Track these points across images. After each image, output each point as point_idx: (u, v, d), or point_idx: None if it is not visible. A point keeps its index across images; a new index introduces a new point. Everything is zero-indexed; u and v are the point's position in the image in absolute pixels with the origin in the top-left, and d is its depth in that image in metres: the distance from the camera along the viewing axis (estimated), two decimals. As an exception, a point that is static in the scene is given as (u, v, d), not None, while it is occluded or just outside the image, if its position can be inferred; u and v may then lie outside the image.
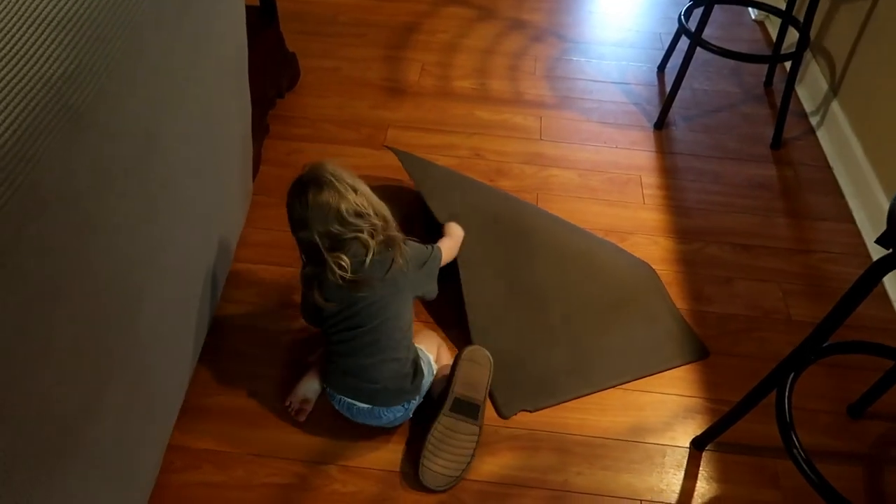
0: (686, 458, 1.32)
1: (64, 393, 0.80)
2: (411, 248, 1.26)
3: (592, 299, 1.53)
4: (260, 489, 1.23)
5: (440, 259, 1.33)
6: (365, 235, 1.18)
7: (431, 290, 1.31)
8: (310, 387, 1.34)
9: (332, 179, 1.18)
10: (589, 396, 1.40)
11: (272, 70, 1.91)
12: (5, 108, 0.66)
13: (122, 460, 1.01)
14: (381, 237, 1.20)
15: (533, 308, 1.50)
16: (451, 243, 1.42)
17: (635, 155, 1.97)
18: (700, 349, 1.49)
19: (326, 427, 1.32)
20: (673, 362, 1.46)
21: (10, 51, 0.69)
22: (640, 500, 1.26)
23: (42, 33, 0.73)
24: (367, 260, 1.18)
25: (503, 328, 1.45)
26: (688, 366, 1.46)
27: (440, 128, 2.01)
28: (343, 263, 1.17)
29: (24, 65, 0.69)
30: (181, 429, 1.29)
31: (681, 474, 1.30)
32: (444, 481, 1.24)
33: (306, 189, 1.18)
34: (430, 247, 1.32)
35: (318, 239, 1.17)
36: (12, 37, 0.70)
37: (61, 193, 0.74)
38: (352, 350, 1.24)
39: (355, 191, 1.20)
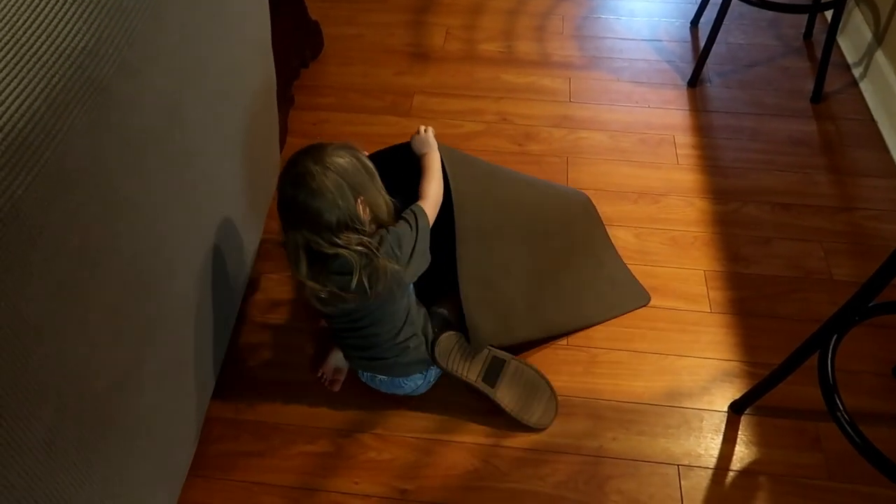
0: (724, 422, 1.30)
1: (101, 366, 0.81)
2: (399, 239, 1.12)
3: (551, 243, 1.47)
4: (298, 458, 1.25)
5: (427, 227, 1.16)
6: (350, 253, 1.05)
7: (422, 267, 1.18)
8: (341, 357, 1.34)
9: (327, 183, 1.04)
10: (622, 362, 1.39)
11: (295, 39, 1.89)
12: (29, 83, 0.65)
13: (161, 430, 1.02)
14: (371, 251, 1.07)
15: (509, 250, 1.39)
16: (434, 186, 1.21)
17: (668, 114, 1.91)
18: (642, 295, 1.49)
19: (358, 396, 1.33)
20: (617, 310, 1.46)
21: (31, 25, 0.68)
22: (678, 465, 1.24)
23: (62, 7, 0.72)
24: (354, 282, 1.06)
25: (485, 263, 1.33)
26: (726, 329, 1.43)
27: (466, 93, 1.97)
28: (319, 292, 1.09)
29: (46, 39, 0.69)
30: (218, 400, 1.31)
31: (719, 438, 1.28)
32: (553, 412, 1.29)
33: (298, 186, 1.05)
34: (414, 222, 1.14)
35: (301, 244, 1.08)
36: (32, 11, 0.69)
37: (89, 167, 0.74)
38: (355, 345, 1.24)
39: (356, 194, 1.07)
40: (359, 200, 1.08)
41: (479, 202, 1.30)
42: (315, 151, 1.08)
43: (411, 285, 1.21)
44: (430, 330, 1.26)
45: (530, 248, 1.41)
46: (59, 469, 0.74)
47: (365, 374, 1.28)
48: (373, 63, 2.06)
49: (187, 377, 1.12)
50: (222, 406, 1.31)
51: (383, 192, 1.14)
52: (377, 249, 1.08)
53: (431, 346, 1.26)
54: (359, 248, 1.06)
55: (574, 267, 1.48)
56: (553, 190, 1.61)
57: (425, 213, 1.17)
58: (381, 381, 1.27)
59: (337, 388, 1.33)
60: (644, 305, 1.48)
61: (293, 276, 1.14)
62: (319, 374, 1.35)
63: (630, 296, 1.49)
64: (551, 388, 1.30)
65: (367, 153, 1.19)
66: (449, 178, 1.24)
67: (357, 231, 1.07)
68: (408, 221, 1.15)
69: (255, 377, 1.36)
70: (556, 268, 1.45)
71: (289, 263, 1.12)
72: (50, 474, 0.73)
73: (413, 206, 1.18)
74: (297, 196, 1.05)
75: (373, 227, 1.12)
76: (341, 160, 1.07)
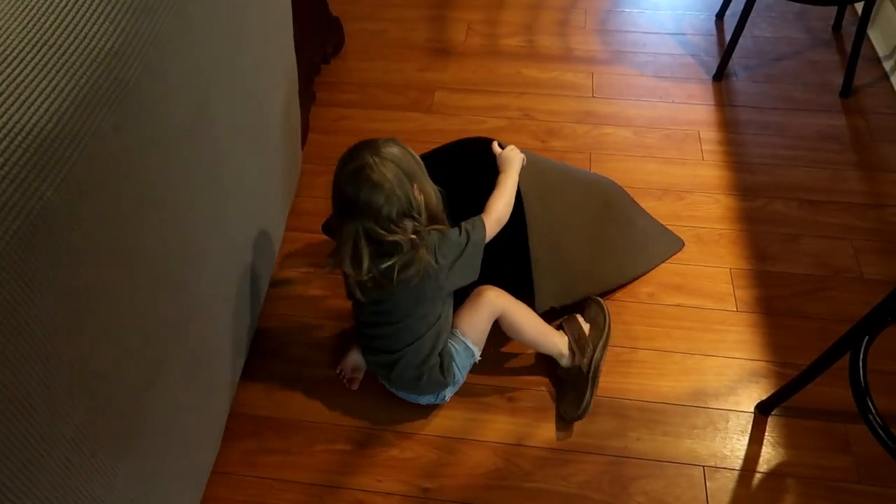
0: (751, 423, 1.28)
1: (130, 364, 0.81)
2: (444, 243, 1.14)
3: (590, 215, 1.48)
4: (320, 455, 1.25)
5: (481, 241, 1.17)
6: (401, 237, 1.08)
7: (467, 280, 1.20)
8: (360, 356, 1.34)
9: (386, 173, 1.06)
10: (647, 361, 1.37)
11: (316, 35, 1.89)
12: (56, 85, 0.65)
13: (186, 428, 1.03)
14: (418, 239, 1.10)
15: (559, 225, 1.42)
16: (502, 205, 1.22)
17: (693, 109, 1.88)
18: (676, 241, 1.56)
19: (380, 394, 1.32)
20: (657, 260, 1.53)
21: (58, 27, 0.68)
22: (704, 466, 1.23)
23: (89, 8, 0.72)
24: (388, 263, 1.09)
25: (550, 220, 1.38)
26: (753, 328, 1.41)
27: (488, 88, 1.96)
28: (364, 280, 1.11)
29: (73, 41, 0.69)
30: (241, 397, 1.31)
31: (745, 440, 1.26)
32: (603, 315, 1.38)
33: (358, 181, 1.07)
34: (467, 233, 1.16)
35: (360, 233, 1.09)
36: (60, 12, 0.69)
37: (116, 168, 0.74)
38: (375, 347, 1.23)
39: (411, 181, 1.09)
40: (414, 187, 1.10)
41: (535, 179, 1.34)
42: (368, 145, 1.10)
43: (450, 309, 1.23)
44: (450, 349, 1.23)
45: (579, 211, 1.43)
46: (87, 467, 0.75)
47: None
48: (394, 59, 2.06)
49: (212, 375, 1.12)
50: (246, 403, 1.32)
51: (430, 181, 1.15)
52: (421, 241, 1.10)
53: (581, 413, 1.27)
54: (412, 236, 1.09)
55: (613, 224, 1.50)
56: (576, 168, 1.67)
57: (483, 227, 1.18)
58: (398, 390, 1.28)
59: (355, 386, 1.33)
60: (680, 250, 1.54)
61: (339, 265, 1.14)
62: (338, 371, 1.35)
63: (665, 245, 1.55)
64: (597, 309, 1.38)
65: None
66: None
67: (413, 218, 1.10)
68: (461, 230, 1.16)
69: (278, 375, 1.37)
70: (601, 225, 1.47)
71: (339, 254, 1.12)
72: (77, 472, 0.74)
73: (474, 218, 1.19)
74: (358, 191, 1.07)
75: (426, 214, 1.13)
76: (395, 149, 1.10)
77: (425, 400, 1.27)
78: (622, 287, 1.48)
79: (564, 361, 1.31)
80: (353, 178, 1.08)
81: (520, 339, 1.32)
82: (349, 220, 1.09)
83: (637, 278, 1.49)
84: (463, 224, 1.17)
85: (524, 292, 1.33)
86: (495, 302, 1.26)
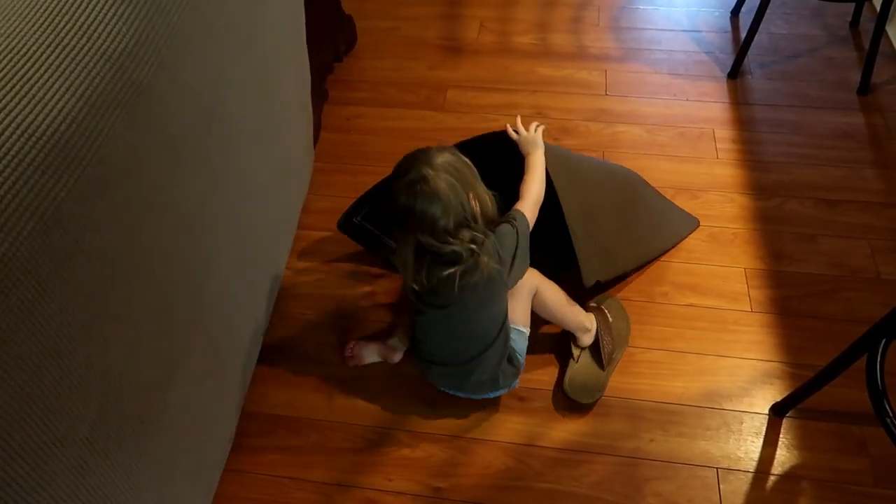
0: (765, 424, 1.27)
1: (143, 364, 0.82)
2: (502, 238, 1.14)
3: (615, 193, 1.49)
4: (332, 454, 1.25)
5: (527, 230, 1.18)
6: (460, 249, 1.07)
7: (523, 271, 1.20)
8: (371, 355, 1.36)
9: (442, 185, 1.05)
10: (660, 361, 1.36)
11: (329, 33, 1.89)
12: (70, 84, 0.66)
13: (198, 426, 1.04)
14: (477, 247, 1.09)
15: (589, 204, 1.42)
16: (536, 187, 1.23)
17: (708, 107, 1.86)
18: (691, 220, 1.59)
19: (394, 393, 1.33)
20: (676, 238, 1.56)
21: (72, 27, 0.69)
22: (717, 468, 1.22)
23: (103, 8, 0.72)
24: (448, 272, 1.09)
25: (583, 200, 1.38)
26: (767, 329, 1.40)
27: (501, 86, 1.95)
28: (422, 286, 1.12)
29: (87, 41, 0.69)
30: (253, 395, 1.32)
31: (760, 441, 1.25)
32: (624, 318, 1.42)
33: (414, 193, 1.06)
34: (515, 226, 1.16)
35: (418, 245, 1.09)
36: (73, 13, 0.70)
37: (128, 168, 0.74)
38: (445, 358, 1.22)
39: (466, 190, 1.08)
40: (470, 196, 1.09)
41: (560, 162, 1.35)
42: (423, 156, 1.09)
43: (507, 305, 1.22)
44: (514, 351, 1.23)
45: (604, 190, 1.44)
46: (101, 466, 0.75)
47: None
48: (406, 57, 2.05)
49: (225, 373, 1.13)
50: (258, 402, 1.32)
51: (484, 187, 1.15)
52: (480, 247, 1.09)
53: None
54: (471, 245, 1.08)
55: (637, 202, 1.51)
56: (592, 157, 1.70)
57: (525, 216, 1.18)
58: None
59: (351, 364, 1.36)
60: (695, 229, 1.57)
61: (404, 281, 1.16)
62: (348, 347, 1.37)
63: (682, 224, 1.58)
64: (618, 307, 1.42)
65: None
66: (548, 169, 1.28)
67: (470, 228, 1.09)
68: (509, 223, 1.17)
69: (290, 373, 1.37)
70: (626, 203, 1.48)
71: (399, 268, 1.14)
72: (91, 472, 0.74)
73: (513, 211, 1.19)
74: (413, 203, 1.06)
75: (482, 221, 1.12)
76: (449, 159, 1.09)
77: (493, 393, 1.28)
78: (646, 266, 1.51)
79: (587, 339, 1.33)
80: (407, 189, 1.07)
81: (548, 315, 1.31)
82: (405, 231, 1.09)
83: (665, 252, 1.53)
84: (506, 218, 1.17)
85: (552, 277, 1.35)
86: (530, 280, 1.26)
